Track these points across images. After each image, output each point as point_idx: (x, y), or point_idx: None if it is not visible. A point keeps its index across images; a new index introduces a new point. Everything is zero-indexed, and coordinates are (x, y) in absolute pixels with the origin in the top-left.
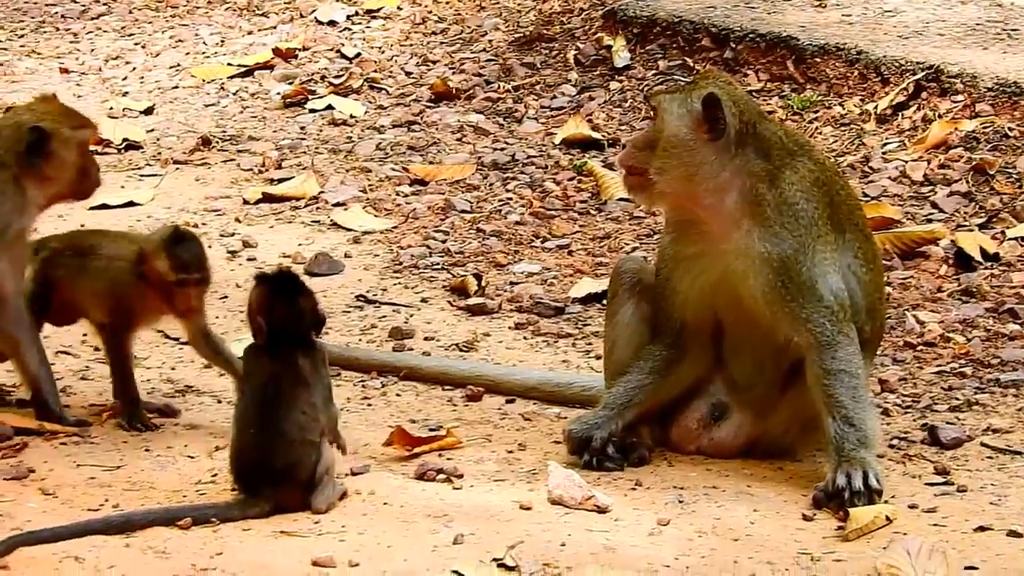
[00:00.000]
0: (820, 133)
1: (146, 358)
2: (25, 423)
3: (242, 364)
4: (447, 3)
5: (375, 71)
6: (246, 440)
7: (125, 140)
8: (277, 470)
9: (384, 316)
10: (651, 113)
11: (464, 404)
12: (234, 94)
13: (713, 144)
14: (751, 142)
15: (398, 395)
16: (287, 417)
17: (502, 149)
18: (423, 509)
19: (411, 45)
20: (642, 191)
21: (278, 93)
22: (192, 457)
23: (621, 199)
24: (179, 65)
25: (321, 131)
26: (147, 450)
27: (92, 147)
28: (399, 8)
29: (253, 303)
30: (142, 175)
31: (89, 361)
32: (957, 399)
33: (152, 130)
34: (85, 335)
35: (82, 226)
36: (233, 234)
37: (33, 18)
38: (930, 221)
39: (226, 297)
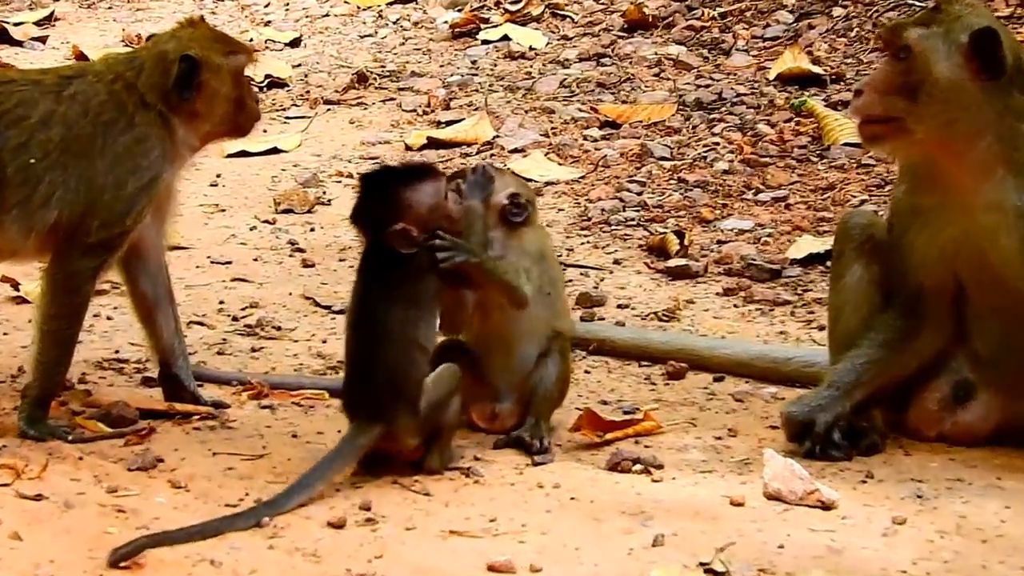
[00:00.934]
0: None
1: (292, 329)
2: (152, 405)
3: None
4: None
5: None
6: (347, 349)
7: (268, 77)
8: (375, 372)
9: (570, 280)
10: (891, 48)
11: (664, 383)
12: (394, 23)
13: (984, 85)
14: (1018, 79)
15: (587, 372)
16: (389, 310)
17: (707, 86)
18: (616, 505)
19: None
20: (889, 141)
21: (445, 22)
22: None
23: (847, 144)
24: None
25: (495, 66)
26: (294, 435)
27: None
28: None
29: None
30: (287, 117)
31: (226, 333)
32: None
33: (299, 65)
34: (222, 303)
35: (218, 177)
36: None
37: None
38: None
39: None
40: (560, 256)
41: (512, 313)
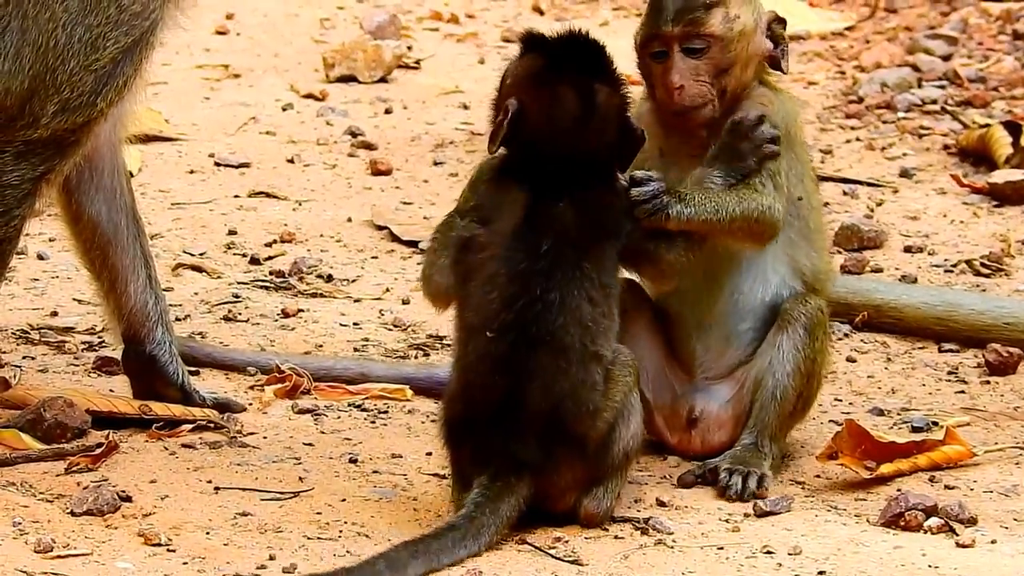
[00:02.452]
0: None
1: (352, 280)
2: (114, 405)
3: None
4: None
5: None
6: (485, 356)
7: None
8: (537, 414)
9: (827, 204)
10: None
11: (981, 380)
12: None
13: None
14: None
15: (851, 361)
16: (560, 303)
17: None
18: None
19: None
20: None
21: None
22: (439, 476)
23: None
24: None
25: None
26: (353, 460)
27: None
28: None
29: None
30: None
31: (240, 285)
32: None
33: None
34: (234, 234)
35: (228, 19)
36: None
37: None
38: None
39: None
40: (810, 162)
41: (731, 250)
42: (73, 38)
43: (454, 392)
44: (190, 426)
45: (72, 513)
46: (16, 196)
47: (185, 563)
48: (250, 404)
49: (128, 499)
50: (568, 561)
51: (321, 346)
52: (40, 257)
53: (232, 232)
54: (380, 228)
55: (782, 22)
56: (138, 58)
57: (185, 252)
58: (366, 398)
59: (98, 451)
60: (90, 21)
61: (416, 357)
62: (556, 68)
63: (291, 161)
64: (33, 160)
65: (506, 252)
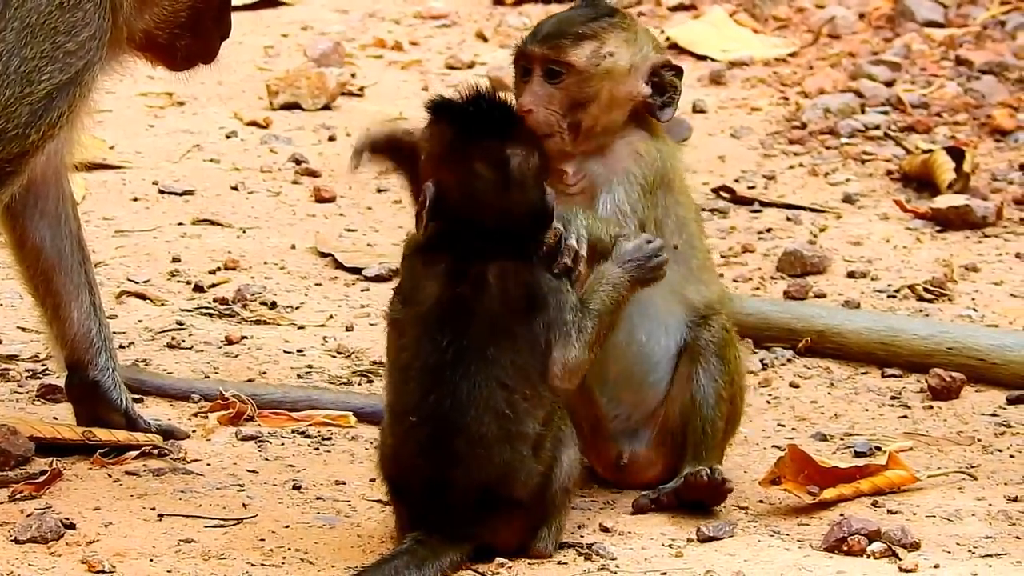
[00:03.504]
0: None
1: (296, 308)
2: (57, 432)
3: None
4: None
5: None
6: (409, 438)
7: None
8: (466, 493)
9: (769, 230)
10: None
11: (924, 404)
12: None
13: None
14: None
15: (794, 386)
16: (484, 390)
17: None
18: None
19: None
20: None
21: None
22: (382, 502)
23: None
24: None
25: None
26: (296, 487)
27: None
28: None
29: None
30: None
31: (184, 312)
32: None
33: None
34: (178, 261)
35: None
36: None
37: None
38: None
39: None
40: (753, 188)
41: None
42: (9, 68)
43: (388, 453)
44: (135, 453)
45: (16, 540)
46: None
47: None
48: (193, 431)
49: (72, 526)
50: None
51: (264, 373)
52: None
53: (176, 259)
54: (324, 255)
55: (676, 70)
56: (73, 95)
57: (129, 280)
58: (309, 425)
59: (42, 478)
60: (25, 54)
61: (360, 384)
62: (466, 139)
63: (235, 188)
64: None
65: (418, 343)
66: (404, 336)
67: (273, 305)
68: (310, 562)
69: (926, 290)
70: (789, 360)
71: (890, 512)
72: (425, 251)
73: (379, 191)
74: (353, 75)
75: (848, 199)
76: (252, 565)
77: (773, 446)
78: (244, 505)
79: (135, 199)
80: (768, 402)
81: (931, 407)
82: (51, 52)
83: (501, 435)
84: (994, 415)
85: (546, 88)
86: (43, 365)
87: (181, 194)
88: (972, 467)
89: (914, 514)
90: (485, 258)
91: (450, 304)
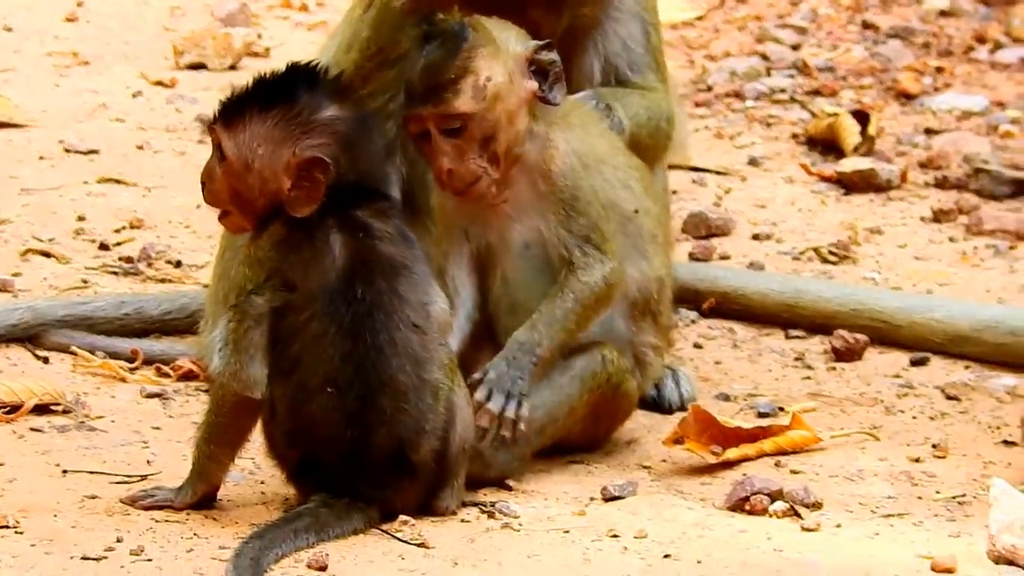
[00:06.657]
0: None
1: (201, 267)
2: None
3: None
4: None
5: None
6: (318, 405)
7: None
8: (382, 455)
9: (675, 192)
10: None
11: (828, 366)
12: None
13: None
14: None
15: (697, 347)
16: (390, 344)
17: None
18: (742, 570)
19: None
20: None
21: None
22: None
23: None
24: None
25: None
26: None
27: None
28: None
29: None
30: None
31: (89, 270)
32: None
33: None
34: (83, 219)
35: (79, 6)
36: None
37: None
38: None
39: None
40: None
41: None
42: None
43: (298, 434)
44: (35, 409)
45: None
46: None
47: (33, 545)
48: (98, 388)
49: None
50: (415, 544)
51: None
52: None
53: (81, 218)
54: None
55: (545, 46)
56: None
57: (34, 237)
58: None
59: None
60: None
61: None
62: (301, 113)
63: (140, 148)
64: None
65: (328, 308)
66: (304, 311)
67: (178, 264)
68: (214, 519)
69: (830, 252)
70: (693, 321)
71: (793, 472)
72: (289, 235)
73: None
74: (259, 36)
75: (753, 162)
76: (156, 521)
77: (675, 408)
78: (148, 462)
79: (41, 158)
80: (675, 361)
81: (834, 368)
82: None
83: (417, 383)
84: (897, 377)
85: (451, 142)
86: None
87: (86, 153)
88: (875, 428)
89: (817, 474)
90: (359, 206)
91: (353, 257)
